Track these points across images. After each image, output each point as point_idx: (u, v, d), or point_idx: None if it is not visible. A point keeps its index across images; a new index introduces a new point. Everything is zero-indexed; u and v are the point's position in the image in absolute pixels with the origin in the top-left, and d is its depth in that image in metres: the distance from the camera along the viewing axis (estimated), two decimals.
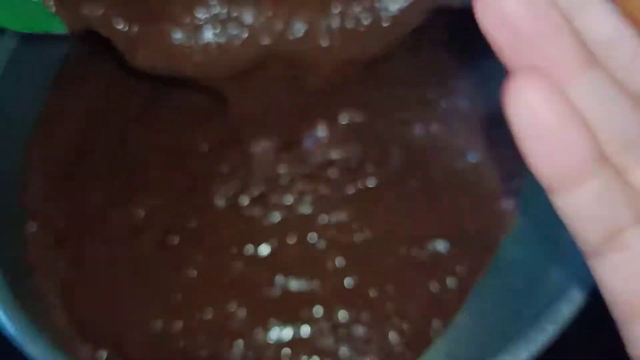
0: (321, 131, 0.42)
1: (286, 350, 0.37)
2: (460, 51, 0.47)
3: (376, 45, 0.34)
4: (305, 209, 0.41)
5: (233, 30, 0.32)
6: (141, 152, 0.43)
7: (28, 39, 0.41)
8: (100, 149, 0.43)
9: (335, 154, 0.42)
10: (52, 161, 0.43)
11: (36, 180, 0.42)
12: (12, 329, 0.33)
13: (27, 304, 0.35)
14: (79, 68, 0.46)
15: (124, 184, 0.42)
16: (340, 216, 0.41)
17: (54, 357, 0.32)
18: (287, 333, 0.38)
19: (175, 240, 0.40)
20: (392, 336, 0.38)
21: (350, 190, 0.42)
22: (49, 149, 0.43)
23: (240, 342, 0.38)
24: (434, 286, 0.39)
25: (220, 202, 0.41)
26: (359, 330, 0.38)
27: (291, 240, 0.40)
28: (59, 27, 0.32)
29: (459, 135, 0.44)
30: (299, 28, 0.32)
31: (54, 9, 0.31)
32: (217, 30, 0.32)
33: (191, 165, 0.43)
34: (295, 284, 0.39)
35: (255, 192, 0.41)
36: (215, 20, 0.32)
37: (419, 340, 0.38)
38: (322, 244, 0.40)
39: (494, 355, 0.33)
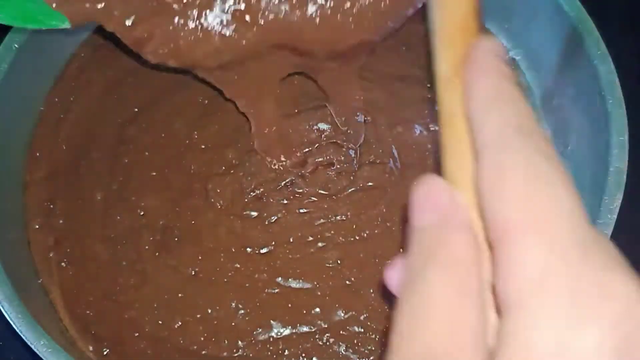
0: (324, 129, 0.43)
1: (285, 351, 0.38)
2: None
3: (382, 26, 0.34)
4: (304, 209, 0.42)
5: (239, 16, 0.32)
6: (139, 152, 0.44)
7: (30, 41, 0.41)
8: (100, 149, 0.44)
9: (335, 154, 0.42)
10: (53, 161, 0.43)
11: (38, 180, 0.43)
12: (18, 327, 0.34)
13: (32, 302, 0.36)
14: (80, 70, 0.46)
15: (122, 184, 0.42)
16: (339, 217, 0.41)
17: (58, 353, 0.33)
18: (285, 333, 0.38)
19: (174, 240, 0.41)
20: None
21: (350, 190, 0.42)
22: (50, 149, 0.44)
23: (238, 342, 0.38)
24: None
25: (217, 202, 0.42)
26: (358, 331, 0.38)
27: (290, 240, 0.41)
28: (62, 22, 0.32)
29: None
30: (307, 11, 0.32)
31: (54, 5, 0.31)
32: (223, 17, 0.32)
33: (188, 165, 0.43)
34: (294, 284, 0.40)
35: (253, 193, 0.42)
36: (219, 7, 0.32)
37: None
38: (321, 245, 0.41)
39: None
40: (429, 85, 0.46)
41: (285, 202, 0.41)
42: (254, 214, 0.41)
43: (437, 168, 0.43)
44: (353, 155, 0.42)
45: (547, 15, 0.43)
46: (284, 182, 0.42)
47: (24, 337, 0.33)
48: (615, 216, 0.35)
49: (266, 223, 0.41)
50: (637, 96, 0.39)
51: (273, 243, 0.41)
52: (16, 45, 0.41)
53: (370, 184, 0.42)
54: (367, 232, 0.41)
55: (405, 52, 0.47)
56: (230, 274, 0.40)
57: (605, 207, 0.36)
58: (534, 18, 0.44)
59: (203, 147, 0.44)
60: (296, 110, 0.43)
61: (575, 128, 0.42)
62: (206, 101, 0.45)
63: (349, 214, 0.41)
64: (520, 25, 0.46)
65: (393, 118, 0.45)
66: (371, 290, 0.39)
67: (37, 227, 0.41)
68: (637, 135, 0.38)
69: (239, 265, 0.40)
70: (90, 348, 0.37)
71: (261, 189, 0.41)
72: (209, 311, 0.39)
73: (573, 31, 0.41)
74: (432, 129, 0.44)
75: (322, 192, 0.42)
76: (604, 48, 0.39)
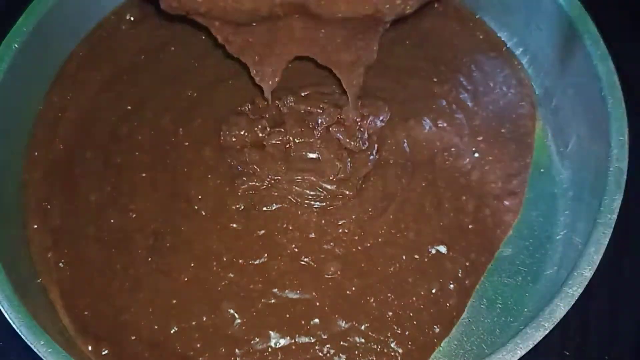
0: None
1: None
2: (465, 49, 0.51)
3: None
4: (292, 225, 0.44)
5: None
6: (130, 152, 0.46)
7: (30, 40, 0.44)
8: (94, 148, 0.47)
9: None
10: (50, 161, 0.46)
11: (35, 180, 0.45)
12: (17, 326, 0.36)
13: (32, 302, 0.38)
14: (78, 68, 0.49)
15: (114, 185, 0.45)
16: (340, 230, 0.43)
17: (57, 352, 0.35)
18: (284, 343, 0.40)
19: (165, 245, 0.43)
20: (393, 346, 0.40)
21: (353, 199, 0.44)
22: (48, 149, 0.46)
23: (236, 350, 0.40)
24: (435, 293, 0.42)
25: (201, 210, 0.44)
26: (359, 341, 0.40)
27: (283, 254, 0.43)
28: None
29: (463, 133, 0.47)
30: None
31: None
32: None
33: (172, 165, 0.46)
34: (291, 295, 0.42)
35: (235, 206, 0.44)
36: None
37: (421, 349, 0.40)
38: (318, 257, 0.43)
39: (492, 352, 0.35)
40: (435, 80, 0.49)
41: (269, 214, 0.44)
42: (240, 227, 0.44)
43: (443, 168, 0.45)
44: (370, 153, 0.44)
45: (546, 15, 0.46)
46: (265, 194, 0.45)
47: (23, 337, 0.36)
48: (615, 216, 0.38)
49: (254, 236, 0.43)
50: (637, 96, 0.41)
51: (265, 255, 0.43)
52: (16, 45, 0.44)
53: (380, 189, 0.44)
54: (371, 242, 0.43)
55: (410, 46, 0.51)
56: (223, 282, 0.42)
57: (605, 207, 0.38)
58: (534, 17, 0.47)
59: (186, 144, 0.47)
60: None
61: (575, 128, 0.45)
62: (195, 94, 0.49)
63: (351, 226, 0.43)
64: (520, 24, 0.49)
65: (405, 110, 0.47)
66: (372, 300, 0.41)
67: (35, 226, 0.44)
68: (637, 135, 0.40)
69: (232, 275, 0.42)
70: (89, 348, 0.40)
71: (239, 205, 0.44)
72: (204, 319, 0.41)
73: (573, 31, 0.43)
74: (440, 125, 0.47)
75: (321, 196, 0.44)
76: (604, 48, 0.42)
